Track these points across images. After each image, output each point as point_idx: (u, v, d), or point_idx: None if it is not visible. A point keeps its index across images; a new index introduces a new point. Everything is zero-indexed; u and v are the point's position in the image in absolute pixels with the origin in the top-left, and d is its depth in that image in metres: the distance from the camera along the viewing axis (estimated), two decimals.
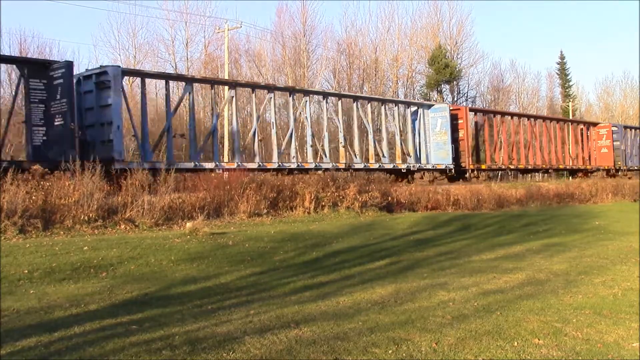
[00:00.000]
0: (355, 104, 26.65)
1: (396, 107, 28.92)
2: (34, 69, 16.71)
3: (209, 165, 19.97)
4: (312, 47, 45.90)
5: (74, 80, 17.02)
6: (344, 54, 47.43)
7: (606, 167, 39.59)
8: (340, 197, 17.10)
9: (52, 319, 6.32)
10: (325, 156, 25.07)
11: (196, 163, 19.72)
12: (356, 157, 26.15)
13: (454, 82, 50.42)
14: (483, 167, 31.16)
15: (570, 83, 71.38)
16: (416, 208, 19.24)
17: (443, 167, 28.47)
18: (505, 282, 8.62)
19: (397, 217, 17.09)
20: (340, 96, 27.42)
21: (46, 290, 7.76)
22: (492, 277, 9.06)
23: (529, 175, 39.15)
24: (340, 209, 16.79)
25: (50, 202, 11.91)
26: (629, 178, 38.04)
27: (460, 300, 7.37)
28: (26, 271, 8.52)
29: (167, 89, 21.56)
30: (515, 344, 5.55)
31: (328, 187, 17.21)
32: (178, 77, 23.22)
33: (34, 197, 11.72)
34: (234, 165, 20.45)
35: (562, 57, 71.48)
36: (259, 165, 21.42)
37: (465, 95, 53.85)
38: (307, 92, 25.43)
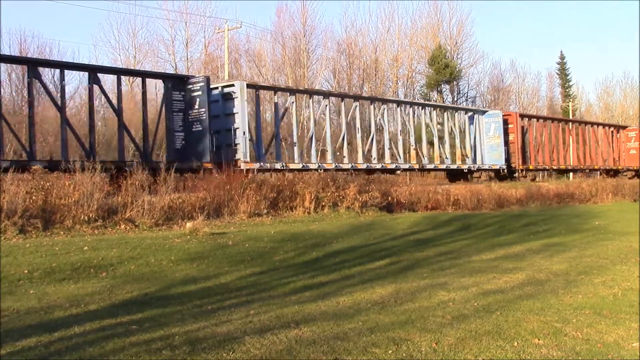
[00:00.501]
0: (422, 110, 29.88)
1: (457, 113, 31.87)
2: (175, 83, 19.48)
3: (312, 165, 23.21)
4: (312, 47, 46.00)
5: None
6: (344, 54, 47.50)
7: (635, 168, 41.72)
8: (340, 197, 17.08)
9: (52, 319, 6.32)
10: (400, 158, 28.07)
11: (304, 164, 23.21)
12: (424, 159, 29.37)
13: (454, 82, 50.43)
14: (530, 167, 33.90)
15: (570, 83, 71.46)
16: (416, 208, 19.24)
17: (497, 167, 31.68)
18: (505, 282, 8.62)
19: (397, 217, 17.09)
20: (411, 104, 31.04)
21: (46, 290, 7.76)
22: (492, 277, 9.06)
23: (567, 174, 42.24)
24: (340, 209, 16.78)
25: (50, 202, 11.91)
26: None
27: (460, 300, 7.37)
28: (26, 271, 8.52)
29: (276, 99, 24.81)
30: (515, 344, 5.55)
31: (328, 187, 17.20)
32: (285, 89, 25.99)
33: (34, 197, 11.72)
34: (332, 167, 23.75)
35: (562, 57, 71.55)
36: (352, 166, 24.72)
37: (465, 95, 53.92)
38: (384, 101, 29.24)
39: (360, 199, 17.15)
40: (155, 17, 67.76)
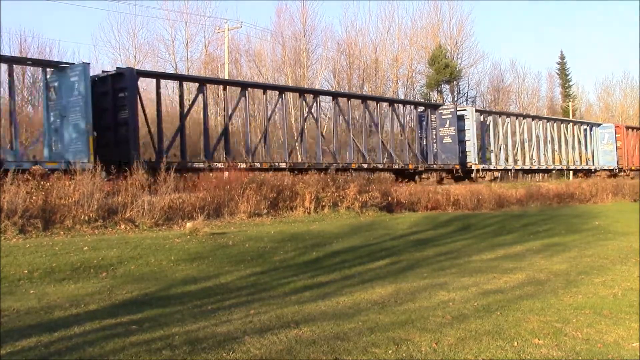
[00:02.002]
0: (562, 125, 38.71)
1: (576, 126, 40.86)
2: (432, 109, 29.62)
3: (508, 166, 32.73)
4: (312, 47, 45.94)
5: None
6: (344, 54, 47.41)
7: None
8: (341, 197, 17.07)
9: (52, 319, 6.32)
10: (549, 160, 36.55)
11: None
12: (564, 161, 37.87)
13: (454, 82, 50.44)
14: (633, 167, 42.50)
15: (570, 83, 71.48)
16: (416, 208, 19.23)
17: (612, 167, 41.19)
18: (505, 282, 8.62)
19: (397, 217, 17.09)
20: (554, 120, 39.75)
21: (46, 290, 7.76)
22: (492, 277, 9.06)
23: None
24: (341, 209, 16.78)
25: (50, 202, 11.90)
26: None
27: (460, 300, 7.37)
28: (26, 271, 8.52)
29: (482, 118, 32.29)
30: (515, 344, 5.55)
31: (328, 187, 17.19)
32: (487, 112, 35.16)
33: (34, 197, 11.72)
34: (519, 167, 33.90)
35: (562, 57, 71.59)
36: (530, 167, 35.38)
37: (466, 95, 53.90)
38: (540, 118, 38.36)
39: (360, 199, 17.14)
40: (155, 17, 67.70)
